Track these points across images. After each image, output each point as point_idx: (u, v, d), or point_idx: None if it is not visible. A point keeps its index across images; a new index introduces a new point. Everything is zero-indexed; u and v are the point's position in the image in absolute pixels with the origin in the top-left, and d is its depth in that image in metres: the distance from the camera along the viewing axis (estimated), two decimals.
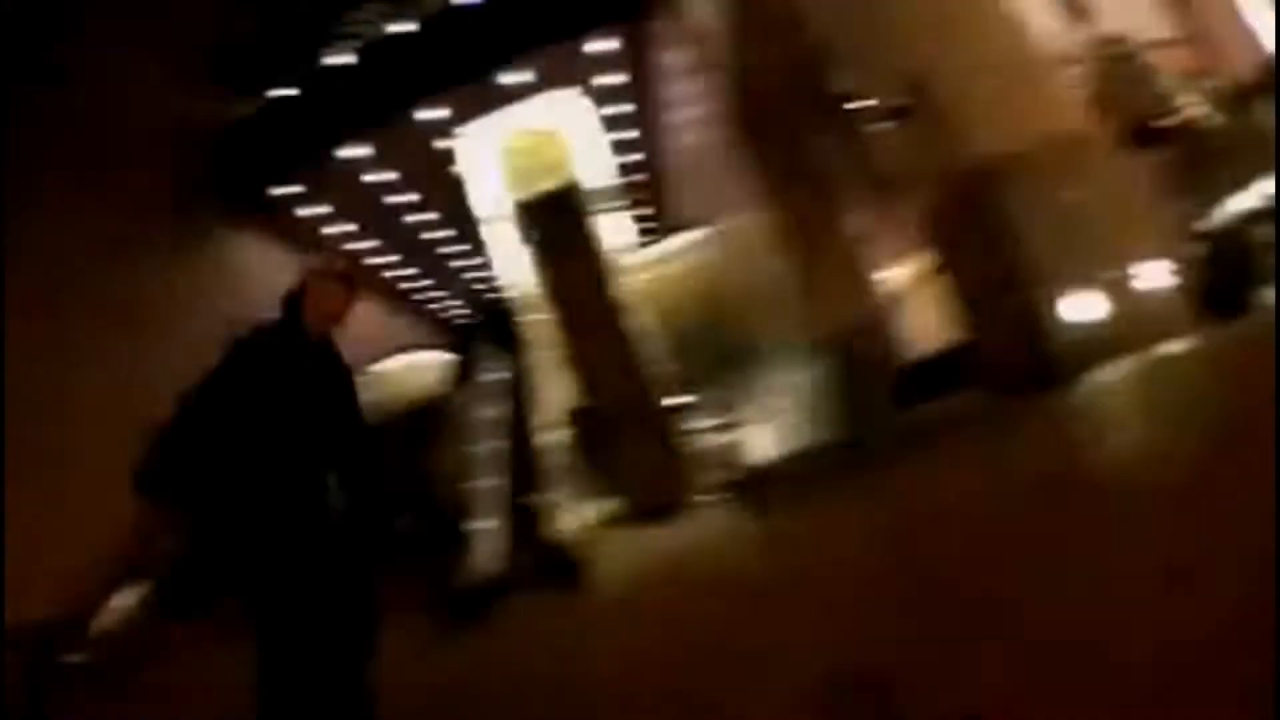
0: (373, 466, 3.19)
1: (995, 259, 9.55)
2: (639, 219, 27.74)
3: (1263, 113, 12.25)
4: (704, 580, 6.49)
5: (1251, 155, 11.44)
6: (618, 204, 23.87)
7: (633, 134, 25.03)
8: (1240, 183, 11.31)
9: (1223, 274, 9.92)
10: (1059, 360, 8.81)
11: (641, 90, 22.69)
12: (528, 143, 23.11)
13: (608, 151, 24.62)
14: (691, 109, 20.79)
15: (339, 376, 3.25)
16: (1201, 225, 11.10)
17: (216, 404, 2.98)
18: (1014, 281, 9.33)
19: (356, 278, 3.44)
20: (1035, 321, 9.15)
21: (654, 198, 27.76)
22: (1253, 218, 10.83)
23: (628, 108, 23.70)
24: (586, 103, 23.06)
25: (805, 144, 15.59)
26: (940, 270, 11.22)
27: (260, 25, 19.94)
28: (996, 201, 9.36)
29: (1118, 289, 9.08)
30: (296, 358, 3.13)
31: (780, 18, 12.39)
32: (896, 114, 10.08)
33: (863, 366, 14.38)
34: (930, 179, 10.46)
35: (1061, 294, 9.09)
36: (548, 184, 18.60)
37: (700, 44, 17.36)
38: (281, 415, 3.01)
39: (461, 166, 23.65)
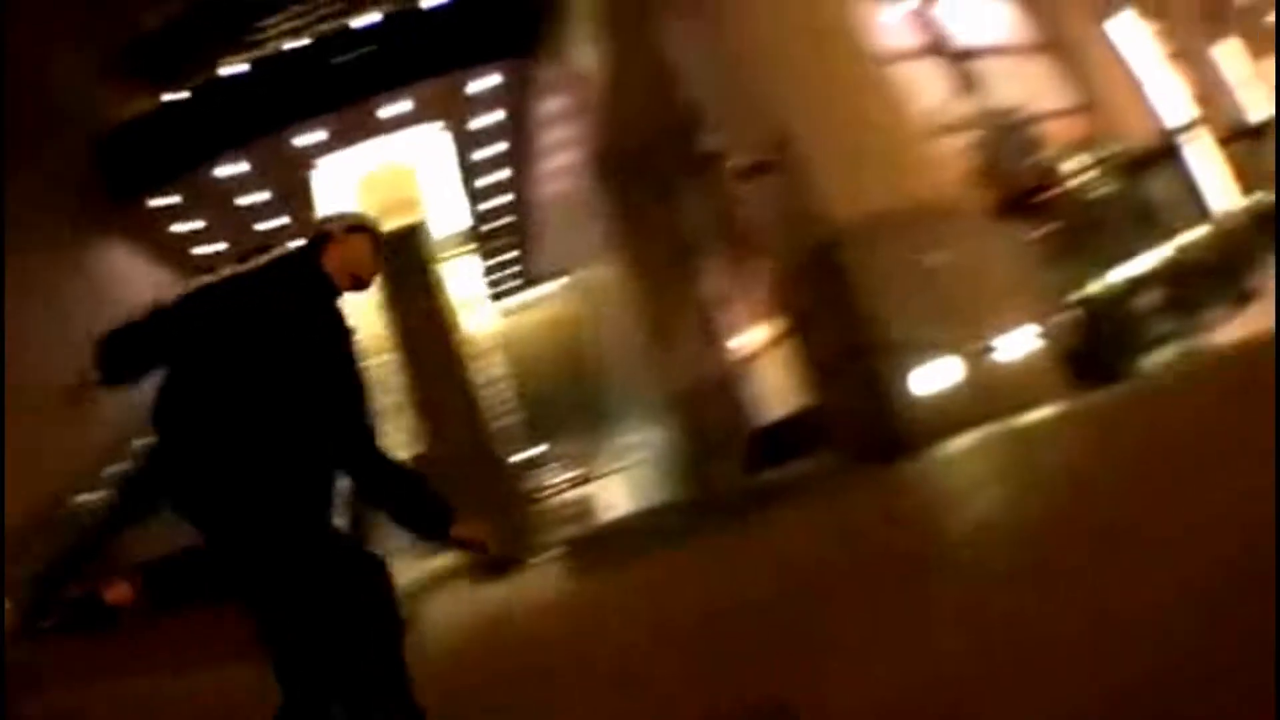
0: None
1: (846, 324, 9.32)
2: (503, 264, 27.24)
3: (1151, 183, 12.81)
4: (508, 644, 6.09)
5: (1137, 225, 11.80)
6: (474, 247, 23.39)
7: (504, 176, 24.52)
8: (1124, 253, 11.49)
9: (1097, 343, 10.00)
10: (910, 428, 8.58)
11: (517, 132, 22.36)
12: (383, 177, 22.44)
13: (466, 193, 24.03)
14: (564, 156, 20.59)
15: (350, 348, 2.67)
16: (1078, 294, 11.09)
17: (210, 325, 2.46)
18: (864, 348, 9.10)
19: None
20: (884, 389, 8.90)
21: (520, 243, 27.33)
22: (1134, 287, 10.98)
23: (501, 148, 23.29)
24: (449, 141, 22.54)
25: (670, 201, 15.52)
26: (791, 334, 11.10)
27: (166, 22, 18.96)
28: (851, 265, 9.14)
29: (979, 358, 8.94)
30: (318, 309, 2.61)
31: (655, 73, 12.27)
32: (755, 171, 9.89)
33: (713, 427, 14.25)
34: (786, 240, 10.28)
35: (916, 361, 8.83)
36: (397, 221, 17.98)
37: (578, 91, 17.18)
38: (289, 375, 2.48)
39: (320, 194, 22.81)
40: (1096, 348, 9.89)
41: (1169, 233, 12.29)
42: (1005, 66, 14.67)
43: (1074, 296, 10.90)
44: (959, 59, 13.70)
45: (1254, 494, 2.52)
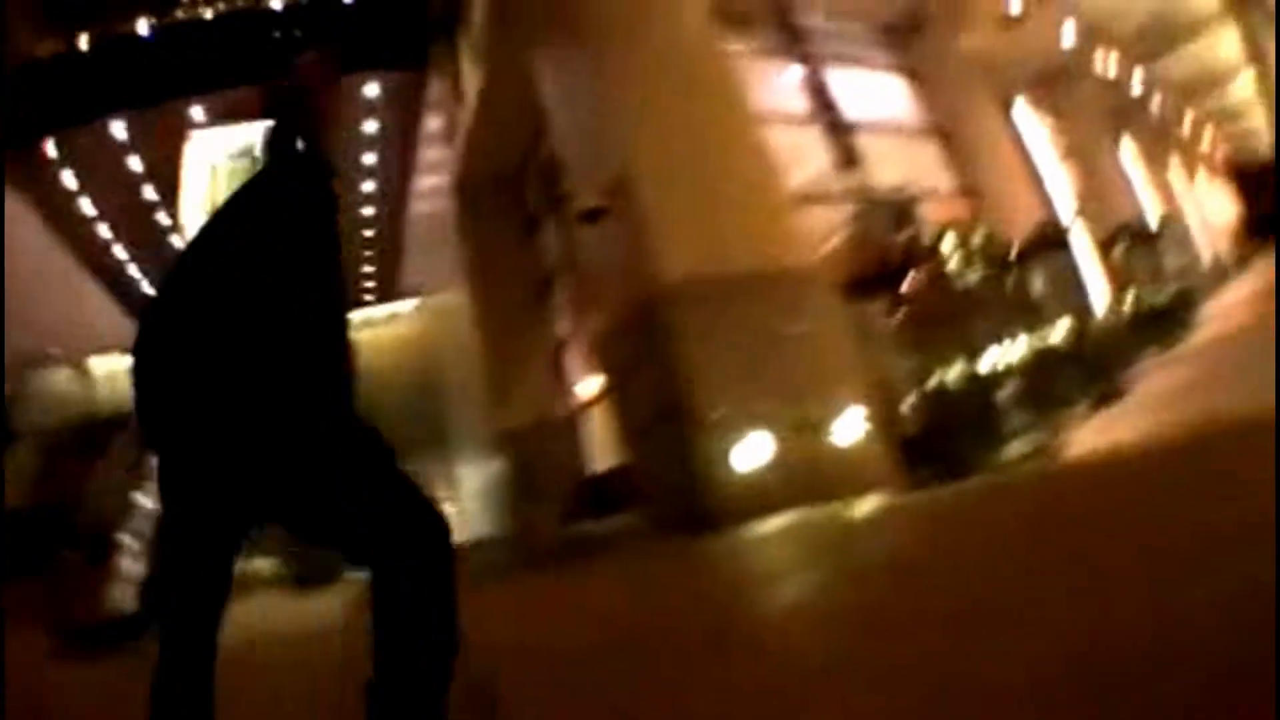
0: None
1: (663, 386, 8.79)
2: (360, 275, 26.57)
3: (1028, 274, 12.89)
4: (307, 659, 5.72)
5: (1007, 315, 11.69)
6: None
7: (370, 187, 23.97)
8: (988, 341, 11.15)
9: (946, 432, 9.66)
10: (720, 503, 8.02)
11: (390, 146, 21.93)
12: (236, 165, 21.59)
13: None
14: (435, 176, 20.27)
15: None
16: (934, 379, 10.61)
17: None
18: (679, 413, 8.53)
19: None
20: (693, 459, 8.35)
21: (379, 257, 26.74)
22: (994, 378, 10.75)
23: (372, 159, 22.80)
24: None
25: (531, 237, 15.40)
26: (610, 389, 10.87)
27: None
28: (677, 325, 8.62)
29: (811, 436, 8.34)
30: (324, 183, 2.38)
31: (526, 104, 12.10)
32: (592, 216, 9.65)
33: (543, 470, 14.08)
34: (612, 291, 9.91)
35: (737, 434, 8.24)
36: None
37: (456, 112, 16.97)
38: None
39: (184, 170, 21.74)
40: (946, 437, 9.58)
41: (1039, 325, 12.37)
42: (893, 144, 14.94)
43: (930, 382, 10.45)
44: (845, 131, 13.75)
45: (1073, 610, 2.55)
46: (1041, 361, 11.63)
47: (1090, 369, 12.06)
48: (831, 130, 13.51)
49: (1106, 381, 11.67)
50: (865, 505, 7.53)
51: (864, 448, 8.52)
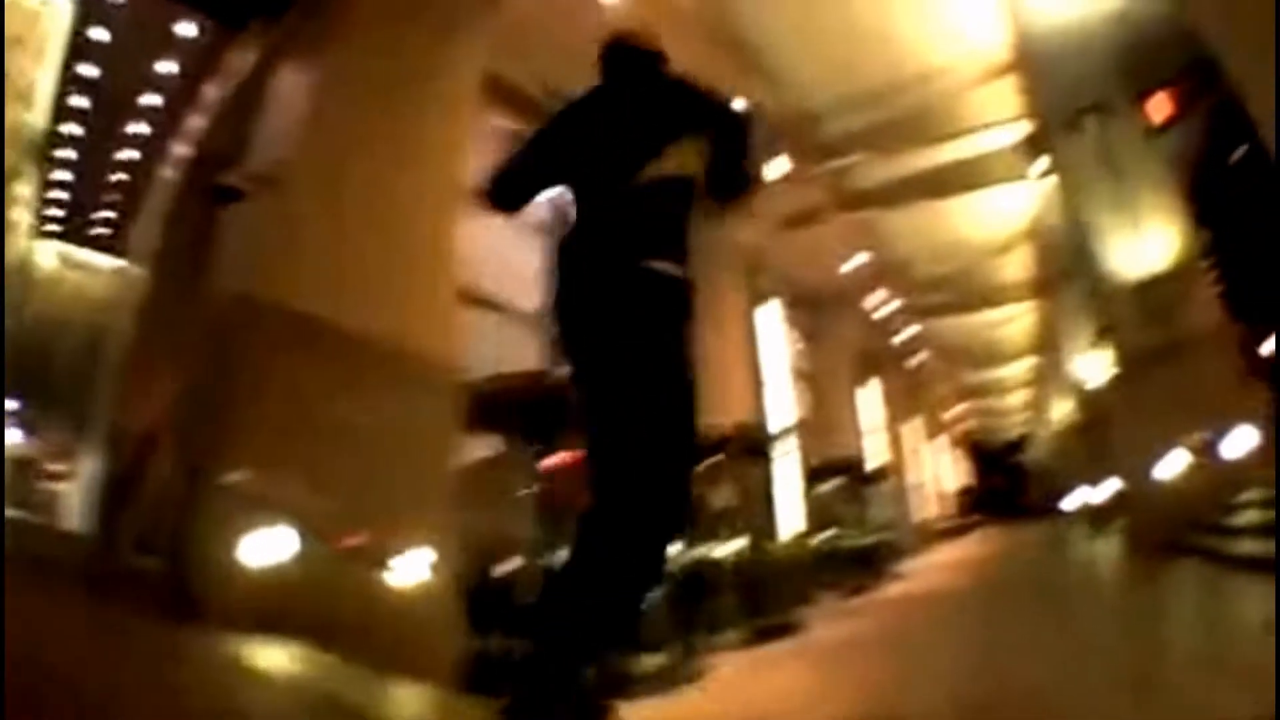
0: None
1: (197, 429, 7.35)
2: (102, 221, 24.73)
3: (712, 475, 11.98)
4: None
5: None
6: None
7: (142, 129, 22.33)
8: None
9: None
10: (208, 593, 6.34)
11: (177, 96, 20.38)
12: None
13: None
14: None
15: None
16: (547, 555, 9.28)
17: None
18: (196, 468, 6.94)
19: None
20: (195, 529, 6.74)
21: (125, 206, 24.79)
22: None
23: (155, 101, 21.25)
24: None
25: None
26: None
27: None
28: (232, 360, 7.09)
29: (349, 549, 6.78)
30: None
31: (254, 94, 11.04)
32: (223, 195, 8.50)
33: (128, 474, 12.50)
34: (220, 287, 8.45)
35: (259, 517, 6.51)
36: None
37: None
38: None
39: None
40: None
41: (713, 535, 11.45)
42: None
43: (547, 557, 8.82)
44: None
45: None
46: (698, 574, 10.66)
47: (754, 597, 11.45)
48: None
49: (768, 616, 11.07)
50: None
51: (424, 600, 6.96)
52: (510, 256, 12.12)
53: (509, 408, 8.27)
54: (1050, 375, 31.35)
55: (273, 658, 5.60)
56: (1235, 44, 6.36)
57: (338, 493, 6.69)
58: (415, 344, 7.66)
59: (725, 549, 11.72)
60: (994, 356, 34.91)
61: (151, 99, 21.36)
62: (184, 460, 7.49)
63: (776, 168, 15.65)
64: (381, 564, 6.79)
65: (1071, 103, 14.15)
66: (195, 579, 6.46)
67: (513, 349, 11.21)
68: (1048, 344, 29.24)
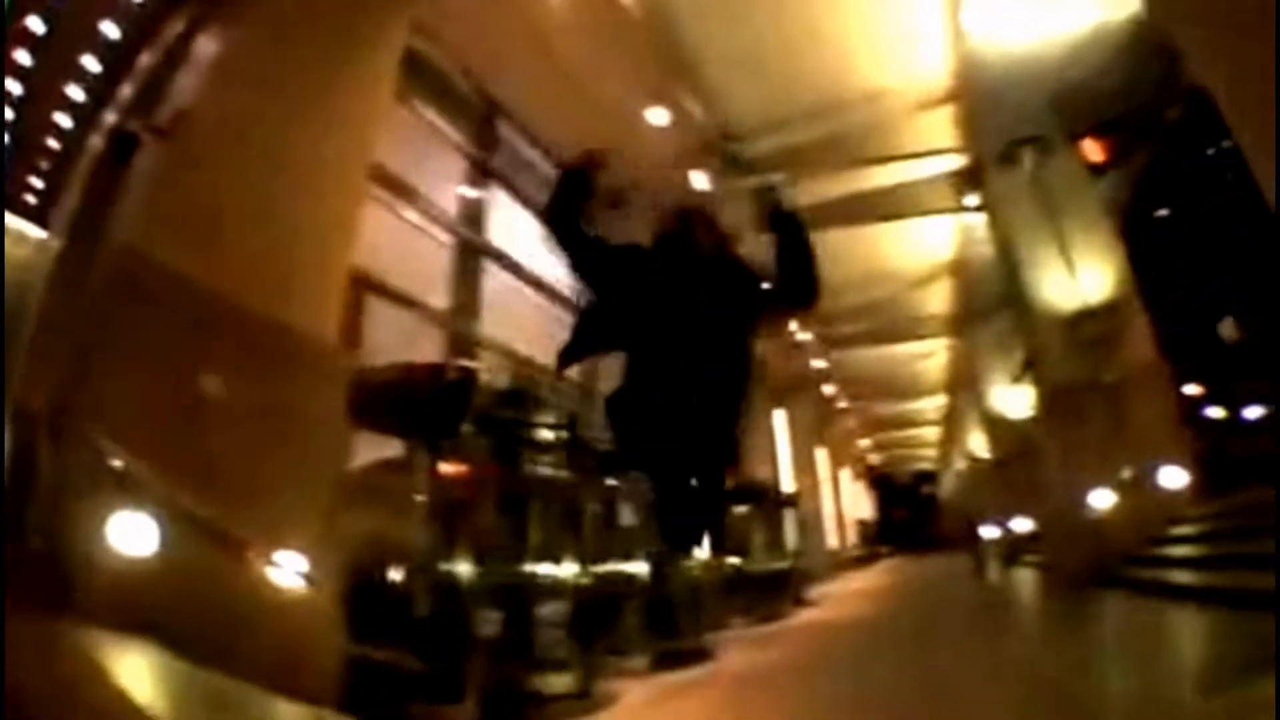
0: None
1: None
2: None
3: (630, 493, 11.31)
4: None
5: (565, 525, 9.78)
6: None
7: None
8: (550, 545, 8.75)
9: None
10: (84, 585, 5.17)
11: None
12: None
13: None
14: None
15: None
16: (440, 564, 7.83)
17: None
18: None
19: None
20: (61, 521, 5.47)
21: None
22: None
23: None
24: None
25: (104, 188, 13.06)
26: None
27: None
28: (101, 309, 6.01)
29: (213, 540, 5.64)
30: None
31: None
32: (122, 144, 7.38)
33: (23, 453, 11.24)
34: None
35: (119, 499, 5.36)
36: None
37: None
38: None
39: None
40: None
41: (620, 554, 10.54)
42: (532, 310, 13.81)
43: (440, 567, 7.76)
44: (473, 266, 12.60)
45: None
46: (604, 591, 10.05)
47: (663, 619, 10.78)
48: (463, 260, 12.26)
49: (677, 639, 10.28)
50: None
51: (305, 603, 5.96)
52: (419, 250, 11.42)
53: (405, 400, 7.58)
54: (965, 410, 31.46)
55: (132, 659, 4.69)
56: (1216, 64, 6.01)
57: (218, 479, 5.66)
58: (307, 323, 6.79)
59: (634, 566, 11.18)
60: (908, 390, 35.05)
61: (91, 62, 20.08)
62: (65, 437, 6.44)
63: (699, 183, 15.21)
64: (262, 561, 5.87)
65: (1009, 135, 14.00)
66: (67, 567, 5.29)
67: (414, 342, 10.43)
68: (964, 379, 29.30)
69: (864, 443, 44.34)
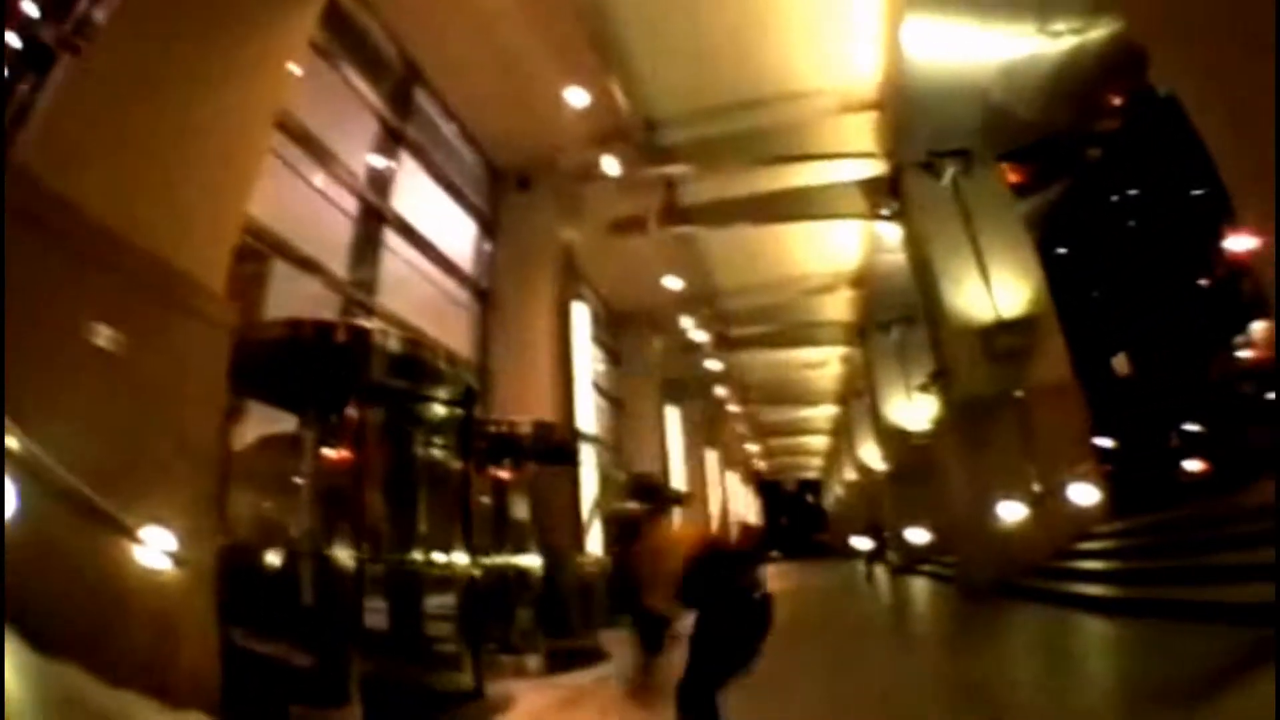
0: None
1: None
2: None
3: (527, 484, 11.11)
4: None
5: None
6: None
7: None
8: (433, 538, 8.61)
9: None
10: None
11: None
12: None
13: None
14: None
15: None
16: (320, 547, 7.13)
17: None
18: None
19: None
20: None
21: None
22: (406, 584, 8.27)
23: None
24: None
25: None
26: None
27: None
28: None
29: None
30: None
31: None
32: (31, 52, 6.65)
33: None
34: None
35: None
36: None
37: None
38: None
39: None
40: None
41: (513, 547, 10.51)
42: (420, 289, 12.95)
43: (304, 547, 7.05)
44: (373, 239, 11.80)
45: None
46: (496, 586, 9.73)
47: (556, 616, 10.52)
48: (366, 227, 11.52)
49: (570, 638, 10.28)
50: None
51: (174, 584, 5.15)
52: (323, 216, 10.66)
53: (291, 360, 6.87)
54: (858, 420, 31.66)
55: None
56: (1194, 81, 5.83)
57: (88, 437, 4.80)
58: (195, 270, 6.03)
59: (527, 559, 10.67)
60: (799, 397, 35.20)
61: None
62: None
63: (609, 168, 14.74)
64: (130, 537, 5.09)
65: (932, 147, 13.92)
66: None
67: (314, 309, 9.65)
68: (859, 389, 29.45)
69: (753, 447, 44.52)
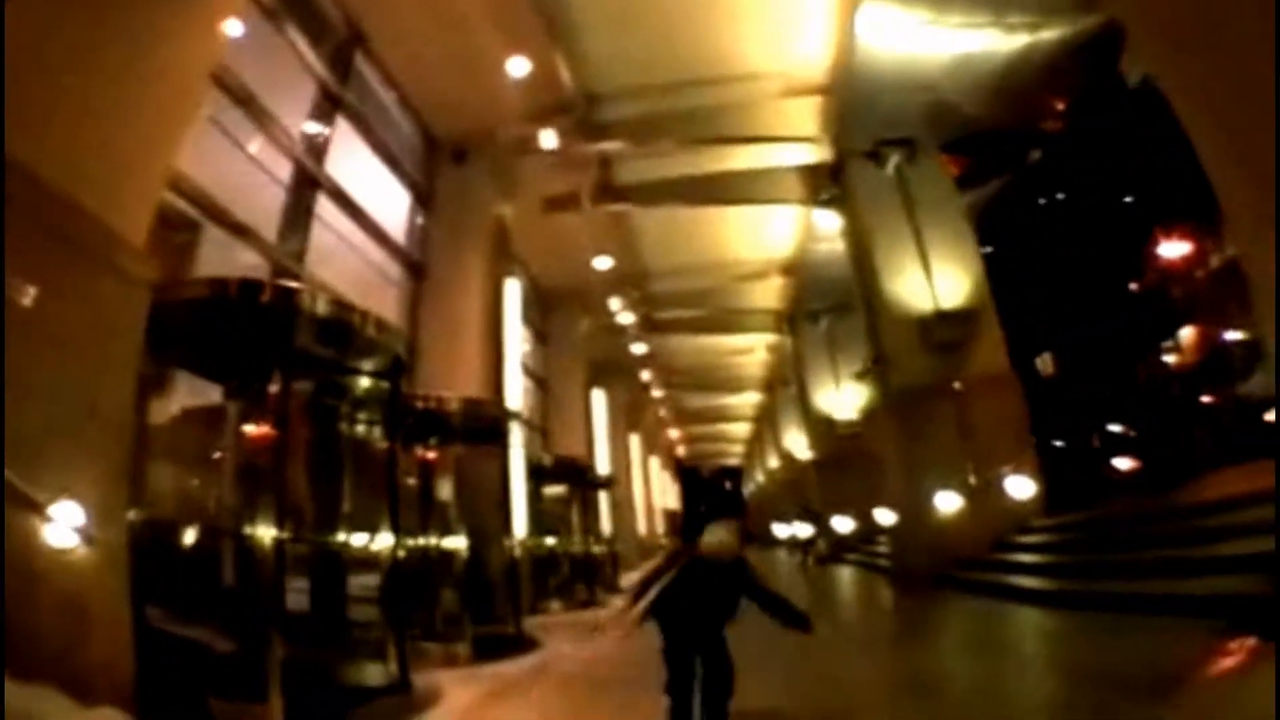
0: None
1: None
2: None
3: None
4: None
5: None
6: None
7: None
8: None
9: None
10: None
11: None
12: None
13: None
14: None
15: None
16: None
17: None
18: None
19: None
20: None
21: None
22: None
23: None
24: None
25: None
26: None
27: None
28: None
29: None
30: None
31: None
32: None
33: None
34: None
35: None
36: None
37: None
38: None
39: None
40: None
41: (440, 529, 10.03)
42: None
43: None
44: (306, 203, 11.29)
45: None
46: (420, 569, 9.39)
47: (481, 601, 10.05)
48: (298, 192, 11.00)
49: (496, 624, 9.93)
50: None
51: (86, 564, 4.73)
52: (257, 180, 10.14)
53: (214, 320, 6.38)
54: (783, 408, 31.73)
55: None
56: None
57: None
58: (118, 223, 5.60)
59: (454, 542, 10.29)
60: (723, 383, 35.19)
61: None
62: None
63: (547, 142, 14.40)
64: (38, 510, 4.62)
65: (878, 135, 13.83)
66: None
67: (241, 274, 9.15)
68: (785, 377, 29.48)
69: (675, 433, 44.50)
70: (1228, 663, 4.81)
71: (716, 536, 5.07)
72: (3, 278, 4.13)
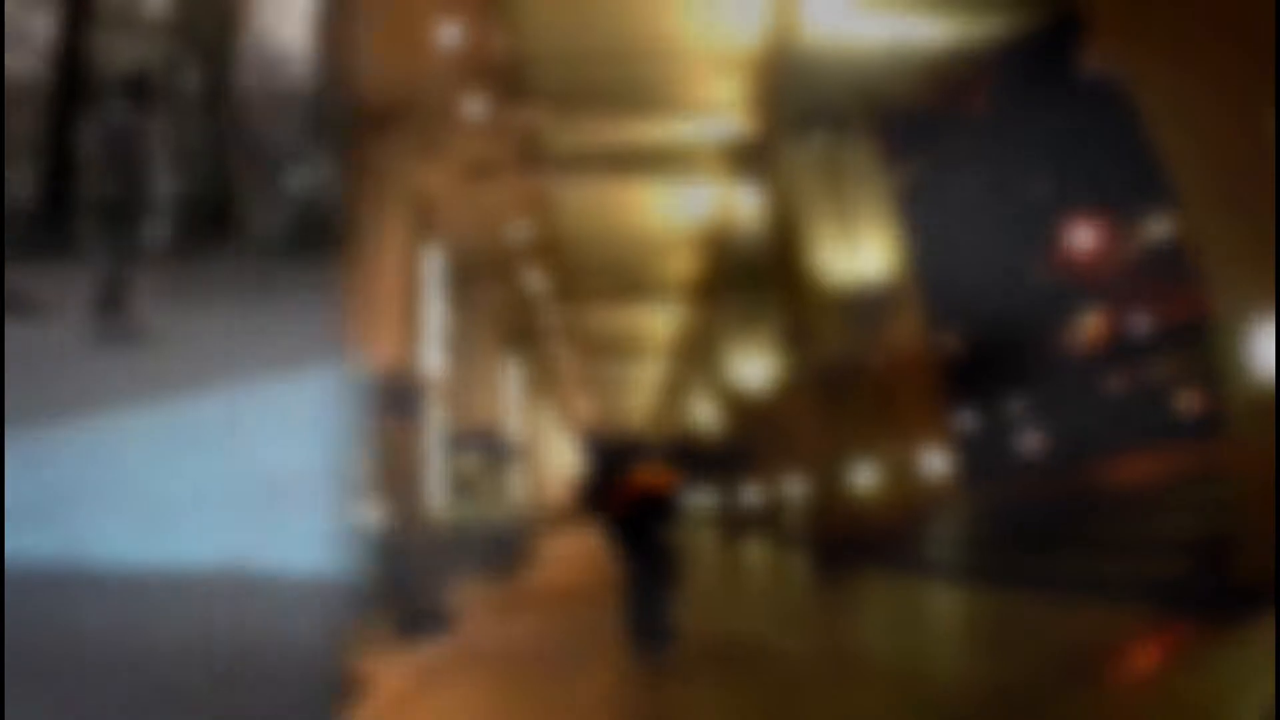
0: None
1: None
2: None
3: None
4: None
5: None
6: None
7: None
8: None
9: None
10: None
11: None
12: None
13: None
14: None
15: None
16: None
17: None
18: None
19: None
20: None
21: None
22: None
23: None
24: None
25: None
26: None
27: None
28: None
29: None
30: None
31: None
32: None
33: None
34: None
35: None
36: None
37: None
38: None
39: None
40: None
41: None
42: None
43: None
44: None
45: None
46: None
47: (397, 577, 9.85)
48: None
49: (413, 600, 9.66)
50: None
51: None
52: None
53: None
54: (693, 381, 31.72)
55: None
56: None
57: None
58: None
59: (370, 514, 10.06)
60: (630, 353, 35.02)
61: None
62: None
63: (472, 108, 14.12)
64: None
65: (807, 111, 13.84)
66: None
67: None
68: (697, 350, 29.49)
69: (581, 403, 44.28)
70: (1159, 647, 4.87)
71: None
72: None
